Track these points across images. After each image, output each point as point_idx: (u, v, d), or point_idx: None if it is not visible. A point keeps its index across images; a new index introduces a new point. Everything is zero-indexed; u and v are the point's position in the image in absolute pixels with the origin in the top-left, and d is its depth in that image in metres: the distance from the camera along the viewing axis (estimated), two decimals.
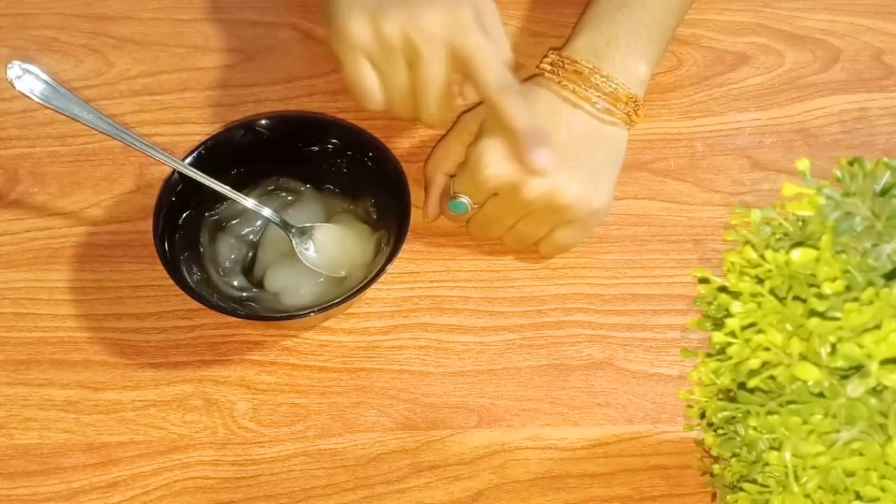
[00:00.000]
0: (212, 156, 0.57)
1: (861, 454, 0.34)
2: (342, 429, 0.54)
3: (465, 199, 0.57)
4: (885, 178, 0.34)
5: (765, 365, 0.36)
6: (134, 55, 0.69)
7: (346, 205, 0.61)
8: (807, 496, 0.36)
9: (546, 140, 0.53)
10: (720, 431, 0.42)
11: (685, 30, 0.69)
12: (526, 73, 0.60)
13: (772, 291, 0.36)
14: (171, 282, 0.52)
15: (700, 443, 0.45)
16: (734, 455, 0.41)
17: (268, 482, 0.53)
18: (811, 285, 0.34)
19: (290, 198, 0.61)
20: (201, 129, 0.65)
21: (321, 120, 0.61)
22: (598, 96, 0.57)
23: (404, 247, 0.53)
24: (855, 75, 0.68)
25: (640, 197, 0.63)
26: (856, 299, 0.32)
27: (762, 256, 0.36)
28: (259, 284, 0.58)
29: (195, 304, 0.52)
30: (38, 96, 0.52)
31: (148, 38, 0.70)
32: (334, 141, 0.59)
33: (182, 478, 0.53)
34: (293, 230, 0.57)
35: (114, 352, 0.57)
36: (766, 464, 0.37)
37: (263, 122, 0.59)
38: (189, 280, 0.54)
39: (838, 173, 0.34)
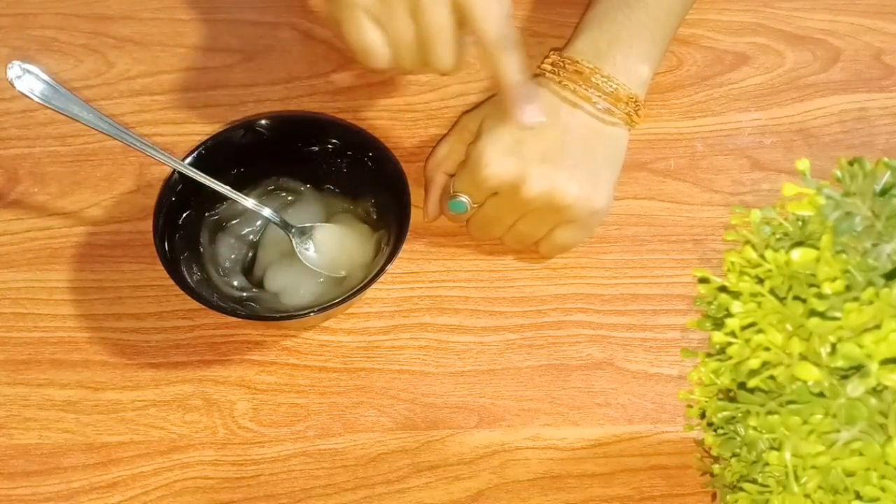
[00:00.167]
0: (212, 156, 0.57)
1: (861, 454, 0.34)
2: (342, 429, 0.54)
3: (464, 199, 0.57)
4: (885, 178, 0.34)
5: (765, 365, 0.36)
6: (134, 55, 0.69)
7: (346, 205, 0.61)
8: (807, 496, 0.36)
9: (536, 96, 0.53)
10: (720, 431, 0.42)
11: (685, 30, 0.69)
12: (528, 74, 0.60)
13: (772, 291, 0.36)
14: (171, 282, 0.52)
15: (700, 443, 0.45)
16: (734, 455, 0.41)
17: (268, 482, 0.53)
18: (811, 285, 0.34)
19: (290, 198, 0.61)
20: (201, 129, 0.65)
21: (321, 120, 0.61)
22: (599, 96, 0.57)
23: (404, 247, 0.53)
24: (855, 75, 0.68)
25: (640, 197, 0.63)
26: (856, 299, 0.32)
27: (762, 256, 0.36)
28: (259, 284, 0.58)
29: (195, 304, 0.52)
30: (38, 96, 0.52)
31: (148, 38, 0.70)
32: (334, 141, 0.59)
33: (182, 478, 0.53)
34: (293, 230, 0.57)
35: (114, 352, 0.57)
36: (766, 464, 0.37)
37: (263, 122, 0.59)
38: (189, 280, 0.54)
39: (838, 173, 0.34)
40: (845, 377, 0.33)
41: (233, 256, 0.59)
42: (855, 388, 0.32)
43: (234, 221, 0.60)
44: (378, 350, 0.57)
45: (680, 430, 0.54)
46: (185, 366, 0.56)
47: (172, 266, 0.53)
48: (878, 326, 0.32)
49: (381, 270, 0.52)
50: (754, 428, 0.37)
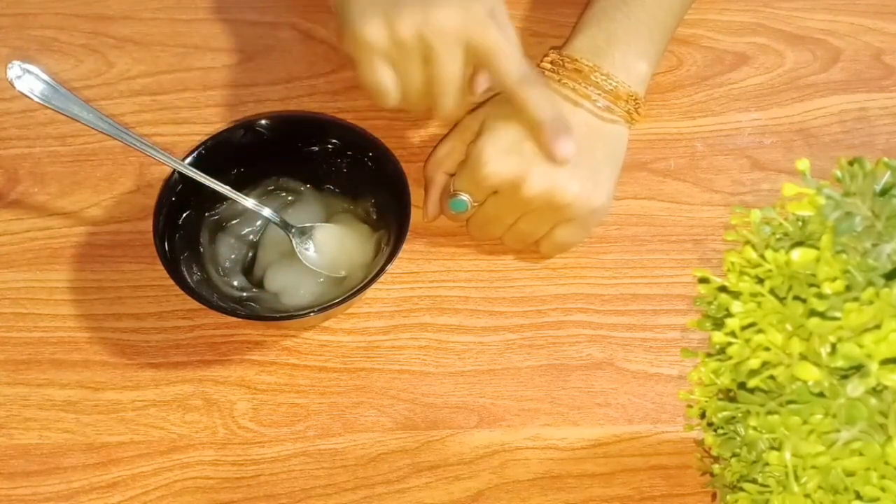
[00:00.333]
0: (212, 156, 0.57)
1: (861, 454, 0.34)
2: (342, 429, 0.54)
3: (465, 198, 0.57)
4: (885, 178, 0.34)
5: (765, 365, 0.36)
6: (134, 55, 0.69)
7: (346, 205, 0.61)
8: (807, 496, 0.36)
9: (569, 129, 0.54)
10: (720, 431, 0.42)
11: (685, 30, 0.69)
12: None
13: (772, 291, 0.36)
14: (171, 282, 0.52)
15: (700, 443, 0.45)
16: (734, 455, 0.41)
17: (268, 482, 0.53)
18: (811, 285, 0.34)
19: (290, 198, 0.61)
20: (201, 129, 0.65)
21: (321, 120, 0.61)
22: (599, 94, 0.57)
23: (404, 247, 0.53)
24: (855, 75, 0.68)
25: (640, 197, 0.63)
26: (856, 299, 0.32)
27: (762, 256, 0.36)
28: (259, 284, 0.58)
29: (195, 304, 0.52)
30: (38, 96, 0.52)
31: (148, 38, 0.70)
32: (334, 141, 0.59)
33: (182, 478, 0.53)
34: (293, 230, 0.57)
35: (114, 352, 0.57)
36: (766, 464, 0.37)
37: (263, 122, 0.59)
38: (189, 280, 0.54)
39: (838, 173, 0.34)
40: (845, 377, 0.33)
41: (233, 256, 0.59)
42: (855, 388, 0.32)
43: (234, 221, 0.60)
44: (378, 350, 0.57)
45: (680, 430, 0.54)
46: (185, 366, 0.56)
47: (172, 266, 0.53)
48: (878, 326, 0.32)
49: (381, 270, 0.52)
50: (754, 428, 0.37)
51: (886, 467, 0.33)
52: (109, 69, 0.68)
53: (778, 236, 0.37)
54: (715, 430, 0.43)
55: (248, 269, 0.59)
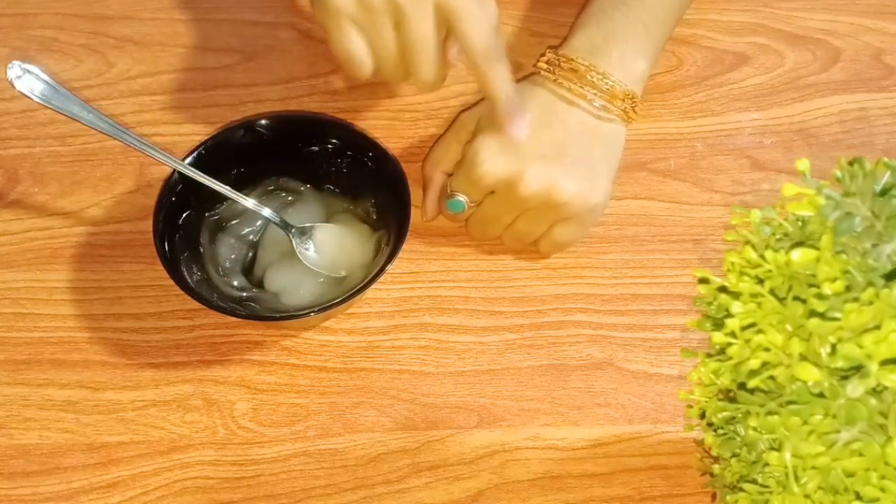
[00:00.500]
0: (212, 156, 0.57)
1: (861, 454, 0.34)
2: (342, 429, 0.54)
3: (462, 198, 0.57)
4: (885, 178, 0.34)
5: (765, 365, 0.36)
6: (134, 55, 0.69)
7: (346, 205, 0.61)
8: (807, 496, 0.36)
9: (522, 108, 0.54)
10: (720, 431, 0.42)
11: (685, 30, 0.69)
12: (525, 73, 0.60)
13: (772, 292, 0.36)
14: (171, 282, 0.52)
15: (700, 443, 0.45)
16: (734, 455, 0.41)
17: (268, 482, 0.53)
18: (811, 285, 0.34)
19: (290, 198, 0.61)
20: (201, 129, 0.65)
21: (321, 120, 0.61)
22: (595, 94, 0.57)
23: (404, 247, 0.53)
24: (855, 75, 0.68)
25: (640, 197, 0.63)
26: (856, 299, 0.32)
27: (762, 256, 0.36)
28: (259, 284, 0.58)
29: (195, 304, 0.52)
30: (38, 96, 0.52)
31: (148, 38, 0.70)
32: (334, 141, 0.59)
33: (182, 478, 0.53)
34: (293, 230, 0.57)
35: (114, 352, 0.57)
36: (766, 464, 0.37)
37: (263, 122, 0.59)
38: (189, 280, 0.54)
39: (838, 173, 0.34)
40: (845, 377, 0.33)
41: (233, 256, 0.59)
42: (855, 388, 0.32)
43: (234, 221, 0.60)
44: (378, 350, 0.57)
45: (680, 430, 0.54)
46: (185, 366, 0.56)
47: (172, 266, 0.53)
48: (878, 327, 0.32)
49: (381, 270, 0.52)
50: (754, 428, 0.37)
51: (886, 468, 0.33)
52: (109, 69, 0.68)
53: (778, 236, 0.37)
54: (715, 431, 0.42)
55: (248, 269, 0.59)
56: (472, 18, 0.50)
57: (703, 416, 0.43)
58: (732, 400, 0.40)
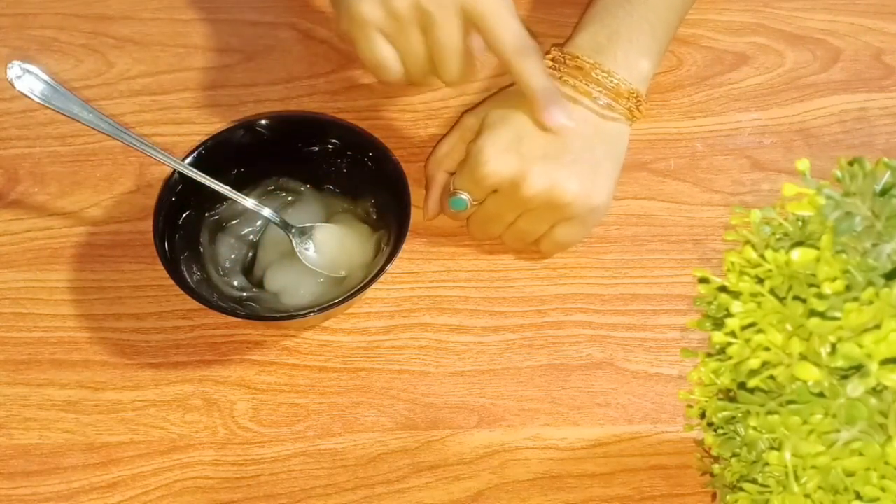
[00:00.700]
0: (212, 156, 0.57)
1: (861, 454, 0.34)
2: (342, 429, 0.54)
3: (464, 196, 0.57)
4: (885, 178, 0.34)
5: (765, 365, 0.36)
6: (134, 55, 0.69)
7: (346, 205, 0.61)
8: (807, 496, 0.36)
9: (562, 99, 0.54)
10: (720, 431, 0.42)
11: (685, 30, 0.69)
12: None
13: (772, 291, 0.36)
14: (171, 282, 0.52)
15: (700, 443, 0.45)
16: (734, 455, 0.41)
17: (268, 482, 0.53)
18: (811, 285, 0.34)
19: (290, 198, 0.61)
20: (201, 129, 0.65)
21: (321, 120, 0.61)
22: (600, 91, 0.57)
23: (404, 247, 0.53)
24: (855, 75, 0.68)
25: (640, 197, 0.63)
26: (856, 299, 0.32)
27: (762, 256, 0.36)
28: (259, 284, 0.58)
29: (195, 304, 0.52)
30: (38, 96, 0.52)
31: (148, 38, 0.70)
32: (334, 141, 0.59)
33: (182, 478, 0.53)
34: (293, 230, 0.57)
35: (114, 352, 0.57)
36: (766, 464, 0.37)
37: (263, 122, 0.59)
38: (189, 280, 0.54)
39: (838, 173, 0.34)
40: (845, 377, 0.33)
41: (233, 256, 0.59)
42: (855, 388, 0.32)
43: (234, 221, 0.60)
44: (378, 350, 0.57)
45: (680, 430, 0.54)
46: (185, 366, 0.56)
47: (172, 266, 0.53)
48: (878, 326, 0.32)
49: (381, 270, 0.52)
50: (754, 428, 0.37)
51: (886, 467, 0.33)
52: (109, 69, 0.68)
53: (778, 236, 0.37)
54: (715, 430, 0.42)
55: (248, 269, 0.59)
56: (499, 18, 0.52)
57: (703, 416, 0.43)
58: (732, 400, 0.40)
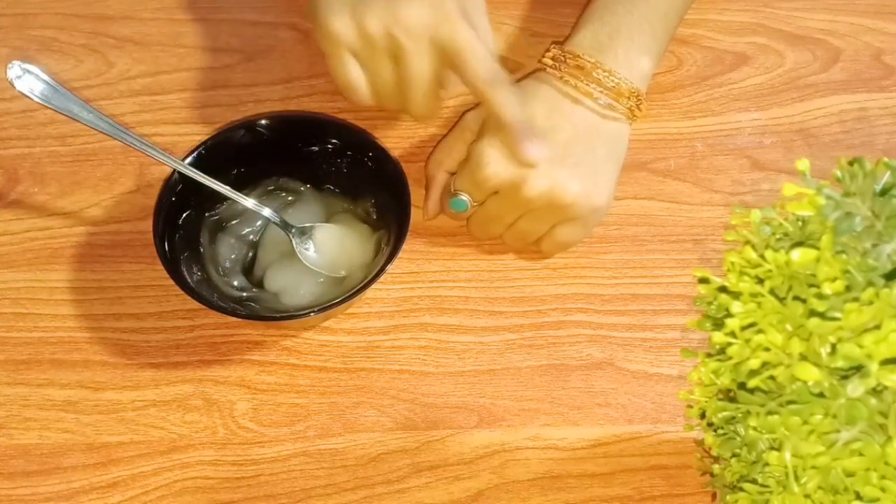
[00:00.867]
0: (212, 156, 0.57)
1: (861, 454, 0.34)
2: (342, 429, 0.54)
3: (465, 197, 0.57)
4: (885, 178, 0.34)
5: (765, 365, 0.36)
6: (134, 55, 0.69)
7: (346, 205, 0.61)
8: (807, 496, 0.36)
9: (537, 132, 0.53)
10: (720, 431, 0.42)
11: (685, 30, 0.69)
12: (526, 73, 0.60)
13: (772, 291, 0.36)
14: (171, 282, 0.52)
15: (700, 443, 0.45)
16: (734, 455, 0.41)
17: (268, 482, 0.53)
18: (811, 285, 0.34)
19: (290, 198, 0.61)
20: (201, 129, 0.65)
21: (321, 120, 0.61)
22: (601, 91, 0.57)
23: (404, 247, 0.53)
24: (855, 75, 0.68)
25: (640, 197, 0.63)
26: (856, 299, 0.32)
27: (762, 256, 0.36)
28: (259, 284, 0.58)
29: (195, 304, 0.52)
30: (38, 96, 0.52)
31: (148, 38, 0.70)
32: (334, 141, 0.59)
33: (182, 478, 0.53)
34: (293, 230, 0.57)
35: (114, 352, 0.57)
36: (766, 464, 0.37)
37: (263, 122, 0.59)
38: (189, 280, 0.54)
39: (838, 173, 0.34)
40: (845, 377, 0.33)
41: (233, 256, 0.59)
42: (855, 388, 0.32)
43: (234, 221, 0.60)
44: (378, 350, 0.57)
45: (680, 430, 0.54)
46: (185, 366, 0.56)
47: (172, 266, 0.53)
48: (878, 326, 0.32)
49: (381, 270, 0.52)
50: (754, 428, 0.37)
51: (886, 467, 0.33)
52: (109, 69, 0.68)
53: (778, 236, 0.37)
54: (715, 430, 0.43)
55: (248, 269, 0.59)
56: (471, 51, 0.51)
57: (703, 416, 0.43)
58: (732, 400, 0.40)
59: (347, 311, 0.58)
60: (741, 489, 0.41)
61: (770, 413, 0.36)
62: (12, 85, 0.51)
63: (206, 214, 0.59)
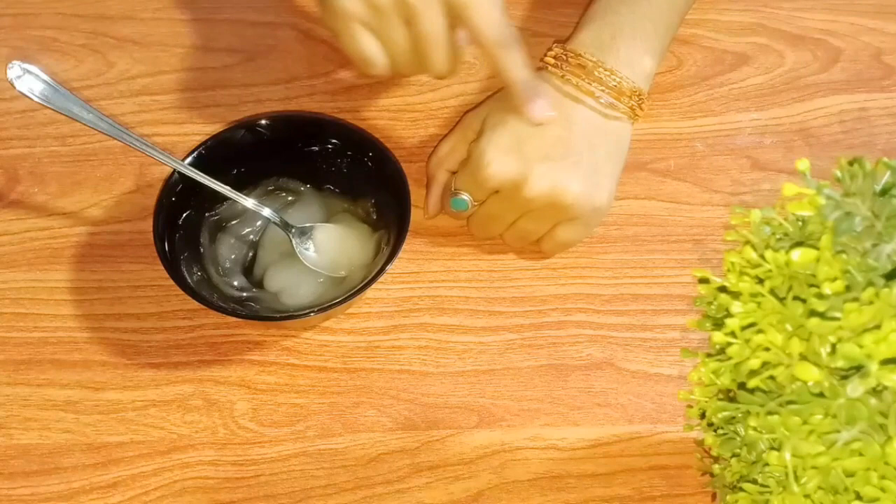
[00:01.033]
0: (212, 156, 0.57)
1: (861, 454, 0.34)
2: (342, 429, 0.54)
3: (466, 197, 0.57)
4: (885, 178, 0.34)
5: (765, 365, 0.36)
6: (134, 55, 0.69)
7: (346, 205, 0.61)
8: (807, 496, 0.36)
9: (544, 91, 0.54)
10: (720, 431, 0.42)
11: (685, 30, 0.69)
12: None
13: (772, 291, 0.36)
14: (171, 282, 0.52)
15: (700, 443, 0.45)
16: (734, 455, 0.41)
17: (268, 482, 0.53)
18: (811, 285, 0.34)
19: (290, 198, 0.61)
20: (201, 129, 0.65)
21: (321, 120, 0.61)
22: (602, 90, 0.57)
23: (404, 247, 0.53)
24: (855, 75, 0.68)
25: (640, 197, 0.63)
26: (856, 299, 0.32)
27: (762, 256, 0.36)
28: (259, 284, 0.58)
29: (195, 304, 0.52)
30: (38, 96, 0.52)
31: (148, 38, 0.70)
32: (334, 141, 0.59)
33: (182, 478, 0.53)
34: (293, 230, 0.57)
35: (114, 352, 0.57)
36: (766, 464, 0.37)
37: (263, 122, 0.59)
38: (189, 280, 0.54)
39: (838, 173, 0.34)
40: (845, 377, 0.33)
41: (233, 256, 0.59)
42: (855, 388, 0.32)
43: (234, 221, 0.60)
44: (378, 350, 0.57)
45: (680, 430, 0.54)
46: (185, 366, 0.56)
47: (172, 266, 0.53)
48: (878, 326, 0.32)
49: (381, 270, 0.52)
50: (754, 428, 0.37)
51: (886, 467, 0.33)
52: (109, 69, 0.68)
53: (778, 236, 0.37)
54: (715, 431, 0.43)
55: (248, 269, 0.59)
56: (481, 8, 0.51)
57: (703, 416, 0.43)
58: (732, 400, 0.40)
59: (347, 311, 0.58)
60: (741, 489, 0.41)
61: (770, 413, 0.36)
62: (12, 85, 0.51)
63: (206, 214, 0.59)
